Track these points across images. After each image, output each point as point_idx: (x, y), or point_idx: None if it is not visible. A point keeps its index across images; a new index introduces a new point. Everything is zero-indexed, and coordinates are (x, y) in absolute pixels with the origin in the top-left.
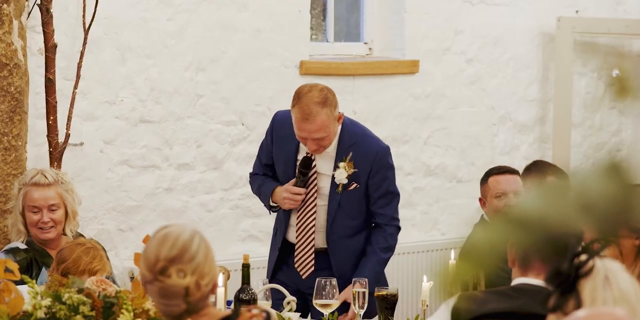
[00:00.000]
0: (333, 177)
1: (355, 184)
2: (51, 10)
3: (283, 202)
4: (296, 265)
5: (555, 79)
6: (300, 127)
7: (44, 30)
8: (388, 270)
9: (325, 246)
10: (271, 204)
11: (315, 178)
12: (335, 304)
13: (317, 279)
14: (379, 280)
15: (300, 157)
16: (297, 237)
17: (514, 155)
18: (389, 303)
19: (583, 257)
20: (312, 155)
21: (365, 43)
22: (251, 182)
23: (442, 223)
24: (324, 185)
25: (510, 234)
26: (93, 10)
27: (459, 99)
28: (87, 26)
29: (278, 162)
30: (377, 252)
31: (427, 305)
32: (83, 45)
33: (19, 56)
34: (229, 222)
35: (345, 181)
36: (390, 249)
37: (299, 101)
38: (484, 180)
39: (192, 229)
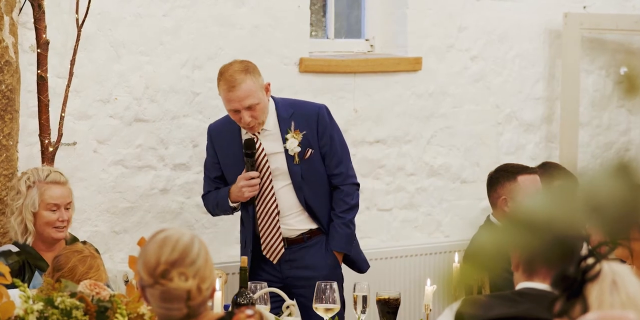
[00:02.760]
0: (286, 152)
1: (309, 150)
2: (43, 6)
3: (241, 192)
4: (265, 254)
5: (562, 76)
6: (229, 98)
7: (35, 27)
8: (390, 273)
9: (314, 226)
10: (231, 204)
11: (267, 161)
12: (336, 308)
13: (317, 283)
14: (352, 240)
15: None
16: (260, 224)
17: (519, 155)
18: (391, 307)
19: (590, 260)
20: (256, 138)
21: (366, 40)
22: (205, 203)
23: (445, 225)
24: (279, 164)
25: (516, 236)
26: (86, 6)
27: (463, 97)
28: (80, 22)
29: (228, 170)
30: (340, 216)
31: (430, 310)
32: (76, 42)
33: (10, 53)
34: (226, 224)
35: (299, 149)
36: (352, 208)
37: (222, 75)
38: (510, 178)
39: (191, 233)
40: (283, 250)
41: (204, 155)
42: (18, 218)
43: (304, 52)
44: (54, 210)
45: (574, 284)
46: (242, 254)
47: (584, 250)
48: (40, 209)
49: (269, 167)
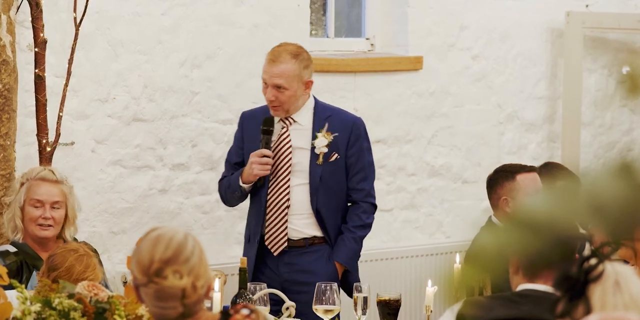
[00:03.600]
0: (312, 149)
1: (335, 155)
2: (41, 5)
3: (251, 168)
4: (268, 244)
5: (564, 75)
6: (265, 68)
7: (33, 26)
8: (390, 274)
9: (319, 234)
10: (241, 184)
11: (290, 153)
12: (336, 309)
13: (317, 284)
14: (357, 257)
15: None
16: (267, 214)
17: (521, 154)
18: (392, 308)
19: (593, 261)
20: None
21: (367, 39)
22: (219, 187)
23: (446, 225)
24: (302, 160)
25: (518, 237)
26: (84, 5)
27: (464, 96)
28: (78, 21)
29: (250, 152)
30: (351, 231)
31: (431, 311)
32: (74, 41)
33: (7, 52)
34: (225, 225)
35: (326, 150)
36: (365, 226)
37: (276, 47)
38: (509, 178)
39: (184, 230)
40: (286, 243)
41: (203, 155)
42: (9, 214)
43: None
44: (37, 207)
45: (576, 284)
46: (244, 251)
47: (587, 251)
48: (25, 205)
49: (290, 159)
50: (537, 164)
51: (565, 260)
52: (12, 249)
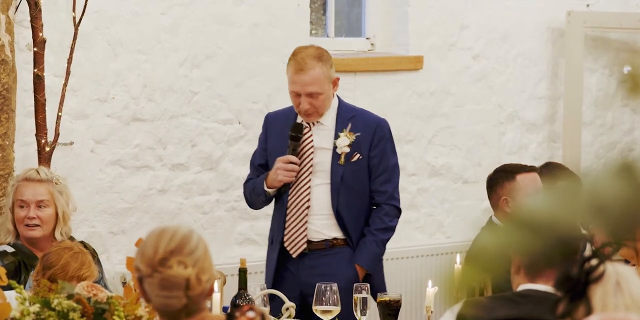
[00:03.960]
0: (334, 149)
1: (357, 155)
2: (40, 4)
3: (276, 174)
4: (287, 246)
5: (565, 75)
6: (294, 79)
7: (32, 25)
8: (390, 275)
9: (340, 235)
10: (265, 188)
11: (312, 153)
12: (335, 310)
13: (317, 284)
14: (379, 260)
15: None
16: (288, 217)
17: (522, 155)
18: (392, 309)
19: (593, 261)
20: (302, 121)
21: (367, 38)
22: (244, 189)
23: (447, 226)
24: (323, 159)
25: (519, 237)
26: (83, 4)
27: (464, 96)
28: (77, 20)
29: (274, 155)
30: (374, 234)
31: (431, 312)
32: (73, 41)
33: (6, 52)
34: (225, 225)
35: (348, 150)
36: (388, 229)
37: (294, 56)
38: (509, 178)
39: (189, 227)
40: (305, 245)
41: (202, 155)
42: (2, 218)
43: None
44: (23, 207)
45: (577, 285)
46: (268, 253)
47: (588, 251)
48: (14, 206)
49: (312, 159)
50: (537, 164)
51: (567, 259)
52: (10, 250)
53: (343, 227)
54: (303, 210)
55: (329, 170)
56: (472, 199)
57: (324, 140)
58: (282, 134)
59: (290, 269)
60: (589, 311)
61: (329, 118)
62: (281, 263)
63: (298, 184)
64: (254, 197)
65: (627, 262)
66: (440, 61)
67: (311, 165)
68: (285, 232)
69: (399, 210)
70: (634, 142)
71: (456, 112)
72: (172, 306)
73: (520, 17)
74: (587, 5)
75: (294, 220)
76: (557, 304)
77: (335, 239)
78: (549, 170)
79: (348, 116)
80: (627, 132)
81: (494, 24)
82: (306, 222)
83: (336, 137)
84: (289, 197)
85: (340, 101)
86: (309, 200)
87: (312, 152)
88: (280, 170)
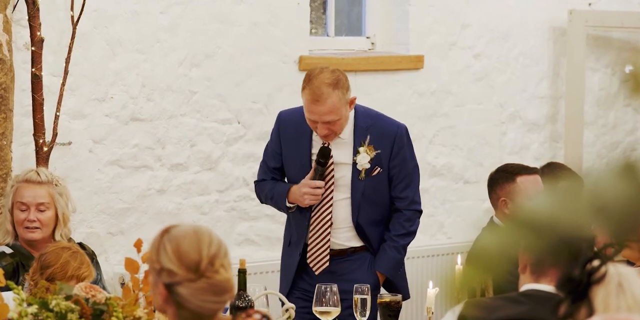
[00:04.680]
0: (354, 164)
1: (378, 169)
2: (38, 3)
3: (303, 198)
4: (310, 263)
5: (567, 75)
6: (310, 109)
7: (30, 24)
8: None
9: (360, 244)
10: (288, 204)
11: (332, 169)
12: (335, 311)
13: (317, 285)
14: (400, 266)
15: (315, 151)
16: (310, 233)
17: (523, 155)
18: (393, 310)
19: (595, 262)
20: (328, 144)
21: (367, 37)
22: (258, 189)
23: (448, 226)
24: (344, 175)
25: (521, 238)
26: (82, 3)
27: (465, 96)
28: (75, 19)
29: (290, 163)
30: (393, 239)
31: (432, 313)
32: (71, 40)
33: (4, 51)
34: (224, 225)
35: (368, 166)
36: (409, 234)
37: (309, 83)
38: (509, 179)
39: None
40: (328, 263)
41: (202, 155)
42: (1, 218)
43: (303, 50)
44: (23, 210)
45: (579, 286)
46: (283, 254)
47: (590, 252)
48: (13, 208)
49: (333, 175)
50: (539, 164)
51: (568, 260)
52: (8, 251)
53: (364, 236)
54: (326, 228)
55: (349, 184)
56: (473, 199)
57: (343, 155)
58: (297, 142)
59: (310, 274)
60: (591, 312)
61: (347, 131)
62: (302, 268)
63: (322, 201)
64: (272, 204)
65: (630, 263)
66: (441, 60)
67: (333, 182)
68: (309, 248)
69: (420, 212)
70: (636, 141)
71: (457, 111)
72: (217, 310)
73: (522, 16)
74: (589, 4)
75: (316, 238)
76: (558, 305)
77: (354, 247)
78: (551, 170)
79: (365, 126)
80: (630, 132)
81: (495, 23)
82: (329, 240)
83: (355, 152)
84: (313, 214)
85: (356, 110)
86: (331, 217)
87: (333, 168)
88: (307, 195)
